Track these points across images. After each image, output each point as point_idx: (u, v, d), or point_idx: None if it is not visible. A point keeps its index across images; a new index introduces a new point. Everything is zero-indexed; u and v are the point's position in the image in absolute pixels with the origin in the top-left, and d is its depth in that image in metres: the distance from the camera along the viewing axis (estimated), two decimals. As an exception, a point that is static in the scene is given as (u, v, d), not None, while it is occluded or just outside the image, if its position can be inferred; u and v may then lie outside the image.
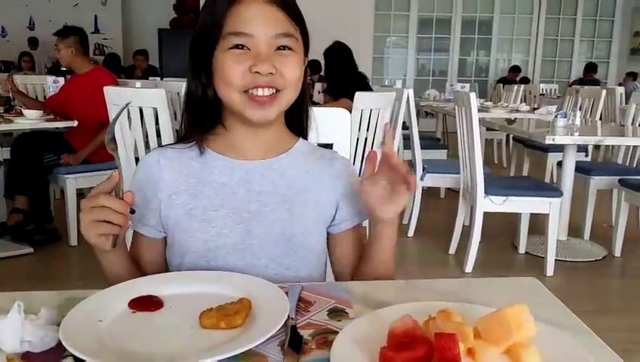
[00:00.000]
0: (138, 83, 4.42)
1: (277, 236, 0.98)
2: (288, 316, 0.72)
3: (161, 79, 6.66)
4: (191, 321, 0.72)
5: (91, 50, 10.17)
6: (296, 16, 0.94)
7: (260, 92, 0.90)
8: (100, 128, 3.57)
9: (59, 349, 0.66)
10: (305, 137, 1.07)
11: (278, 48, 0.91)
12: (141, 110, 2.58)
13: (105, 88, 2.69)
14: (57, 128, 3.62)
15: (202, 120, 0.98)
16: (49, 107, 3.72)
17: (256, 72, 0.88)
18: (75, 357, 0.60)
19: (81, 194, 3.74)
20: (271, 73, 0.89)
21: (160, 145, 2.54)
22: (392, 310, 0.72)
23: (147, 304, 0.76)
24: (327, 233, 1.05)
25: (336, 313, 0.78)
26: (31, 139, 3.51)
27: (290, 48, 0.92)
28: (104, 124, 3.51)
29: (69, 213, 3.49)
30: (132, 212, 0.84)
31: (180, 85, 3.77)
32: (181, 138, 1.02)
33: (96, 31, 10.55)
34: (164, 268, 1.03)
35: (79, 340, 0.64)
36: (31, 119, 3.40)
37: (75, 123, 3.41)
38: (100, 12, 11.31)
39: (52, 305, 0.76)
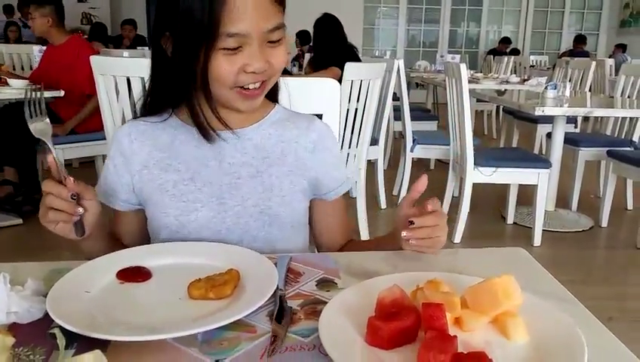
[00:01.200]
0: (126, 52, 4.35)
1: (251, 209, 0.96)
2: (277, 286, 0.72)
3: (149, 49, 6.55)
4: (179, 292, 0.72)
5: (78, 19, 9.97)
6: None
7: (251, 86, 0.89)
8: (85, 99, 3.52)
9: (46, 320, 0.66)
10: (276, 100, 1.05)
11: (268, 41, 0.87)
12: (129, 80, 2.54)
13: (91, 58, 2.64)
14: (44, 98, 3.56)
15: (175, 93, 0.94)
16: (35, 81, 3.64)
17: (252, 71, 0.86)
18: (62, 328, 0.59)
19: (69, 164, 3.71)
20: (264, 70, 0.87)
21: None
22: (381, 280, 0.72)
23: (135, 275, 0.76)
24: (311, 204, 1.04)
25: (325, 283, 0.78)
26: (17, 110, 3.44)
27: (279, 40, 0.89)
28: (89, 96, 3.46)
29: (56, 184, 3.46)
30: (73, 198, 0.80)
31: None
32: (149, 109, 0.99)
33: (83, 0, 10.31)
34: (144, 238, 1.02)
35: (66, 311, 0.64)
36: (17, 88, 3.34)
37: (62, 93, 3.36)
38: (85, -20, 11.05)
39: (38, 276, 0.76)
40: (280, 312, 0.68)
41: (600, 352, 0.60)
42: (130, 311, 0.68)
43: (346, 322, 0.63)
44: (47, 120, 0.83)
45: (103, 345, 0.59)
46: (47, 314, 0.65)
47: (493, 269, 0.69)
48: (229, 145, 0.97)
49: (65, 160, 3.52)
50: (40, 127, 0.82)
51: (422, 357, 0.52)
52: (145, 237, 1.03)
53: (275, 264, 0.80)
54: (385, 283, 0.66)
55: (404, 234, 0.83)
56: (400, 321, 0.58)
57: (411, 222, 0.84)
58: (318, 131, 1.03)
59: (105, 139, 2.89)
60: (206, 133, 0.93)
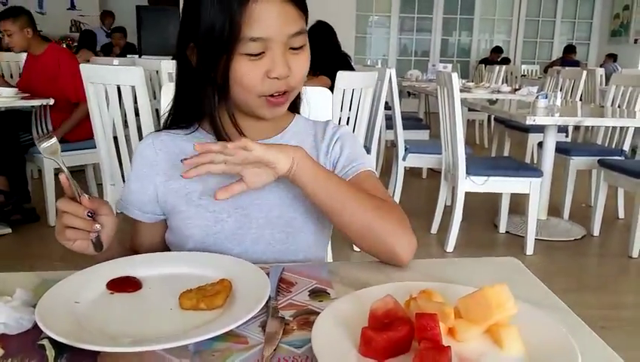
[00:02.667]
0: (116, 60, 4.33)
1: (275, 220, 0.96)
2: (269, 297, 0.71)
3: (140, 57, 6.54)
4: (170, 302, 0.71)
5: (68, 27, 9.92)
6: (303, 4, 0.90)
7: (275, 94, 0.89)
8: (72, 107, 3.50)
9: (35, 331, 0.65)
10: (298, 111, 1.06)
11: (291, 48, 0.88)
12: (119, 89, 2.54)
13: (81, 66, 2.64)
14: (33, 107, 3.54)
15: (199, 104, 0.94)
16: (22, 89, 3.61)
17: (275, 77, 0.86)
18: (51, 339, 0.59)
19: (59, 173, 3.67)
20: (287, 76, 0.87)
21: (138, 124, 2.51)
22: (374, 290, 0.71)
23: (125, 285, 0.75)
24: None
25: (318, 293, 0.78)
26: (6, 118, 3.43)
27: (302, 47, 0.89)
28: (76, 104, 3.45)
29: (47, 193, 3.44)
30: (89, 215, 0.79)
31: (159, 63, 3.70)
32: (173, 121, 0.99)
33: (73, 7, 10.26)
34: (163, 250, 1.01)
35: (56, 322, 0.63)
36: (6, 97, 3.32)
37: (52, 101, 3.34)
38: (75, -13, 11.04)
39: (28, 286, 0.75)
40: (272, 323, 0.67)
41: (592, 361, 0.59)
42: (120, 321, 0.67)
43: (339, 332, 0.62)
44: (55, 139, 0.83)
45: (92, 355, 0.59)
46: (36, 325, 0.65)
47: (487, 279, 0.69)
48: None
49: (55, 168, 3.49)
50: (49, 147, 0.82)
51: (416, 368, 0.52)
52: (164, 249, 1.02)
53: (268, 274, 0.79)
54: (378, 293, 0.66)
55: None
56: (393, 332, 0.58)
57: None
58: (331, 130, 1.03)
59: (95, 147, 2.89)
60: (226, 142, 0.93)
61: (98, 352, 0.60)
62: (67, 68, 3.51)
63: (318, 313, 0.67)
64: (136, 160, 1.00)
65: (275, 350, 0.62)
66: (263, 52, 0.85)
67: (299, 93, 1.01)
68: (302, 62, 0.90)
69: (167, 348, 0.61)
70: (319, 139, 1.02)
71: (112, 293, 0.74)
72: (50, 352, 0.55)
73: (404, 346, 0.59)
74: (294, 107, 1.04)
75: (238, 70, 0.85)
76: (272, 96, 0.89)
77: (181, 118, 0.99)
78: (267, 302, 0.70)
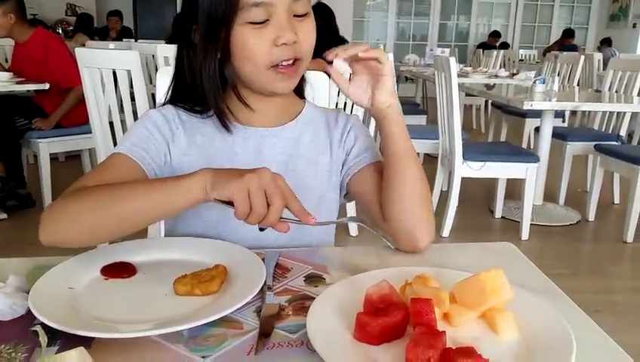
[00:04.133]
0: (111, 44, 4.30)
1: None
2: (265, 282, 0.71)
3: (136, 41, 6.49)
4: (165, 288, 0.71)
5: (63, 10, 9.81)
6: None
7: (284, 63, 0.87)
8: (66, 92, 3.47)
9: (28, 317, 0.64)
10: (303, 96, 1.05)
11: (294, 15, 0.86)
12: (115, 73, 2.52)
13: (76, 50, 2.62)
14: (28, 91, 3.51)
15: (212, 90, 0.91)
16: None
17: (283, 43, 0.84)
18: (44, 325, 0.58)
19: (54, 158, 3.65)
20: (295, 42, 0.85)
21: (134, 108, 2.50)
22: (369, 275, 0.71)
23: (120, 271, 0.75)
24: (348, 183, 1.00)
25: (313, 279, 0.78)
26: (1, 103, 3.40)
27: (306, 14, 0.88)
28: (68, 89, 3.41)
29: (42, 179, 3.43)
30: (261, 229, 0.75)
31: (155, 47, 3.67)
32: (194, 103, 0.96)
33: (68, -10, 10.17)
34: None
35: (49, 308, 0.63)
36: (1, 82, 3.29)
37: (47, 86, 3.32)
38: (71, -30, 10.90)
39: (21, 272, 0.74)
40: (267, 308, 0.67)
41: (587, 345, 0.59)
42: (115, 307, 0.67)
43: (334, 318, 0.62)
44: None
45: (86, 341, 0.59)
46: (29, 311, 0.64)
47: (482, 264, 0.69)
48: (268, 142, 0.96)
49: (51, 154, 3.48)
50: None
51: (410, 353, 0.52)
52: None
53: (263, 260, 0.79)
54: (373, 279, 0.66)
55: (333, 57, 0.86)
56: (388, 317, 0.58)
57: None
58: (343, 120, 1.03)
59: (91, 132, 2.86)
60: (227, 127, 0.93)
61: (92, 338, 0.60)
62: (55, 53, 3.46)
63: (314, 298, 0.67)
64: (158, 119, 0.94)
65: (270, 335, 0.62)
66: (267, 19, 0.84)
67: (303, 76, 0.99)
68: (309, 28, 0.88)
69: (162, 334, 0.61)
70: (332, 127, 1.02)
71: (106, 279, 0.74)
72: (43, 338, 0.55)
73: (399, 331, 0.59)
74: (300, 91, 1.03)
75: (244, 41, 0.84)
76: (282, 66, 0.87)
77: (181, 101, 0.96)
78: (262, 288, 0.70)
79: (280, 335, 0.63)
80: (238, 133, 0.95)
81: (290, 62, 0.87)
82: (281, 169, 0.88)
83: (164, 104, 0.98)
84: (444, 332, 0.55)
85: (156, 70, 3.72)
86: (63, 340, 0.60)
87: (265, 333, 0.62)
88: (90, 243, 0.80)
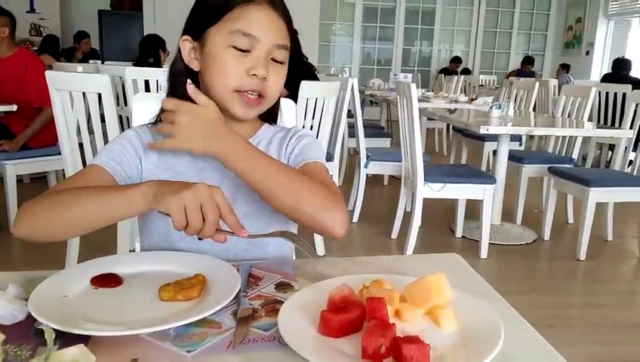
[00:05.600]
0: (79, 67, 4.33)
1: (243, 215, 1.01)
2: (240, 289, 0.80)
3: (102, 62, 6.51)
4: (150, 295, 0.79)
5: (27, 30, 9.72)
6: (292, 31, 1.03)
7: (249, 94, 0.98)
8: (36, 113, 3.50)
9: (27, 322, 0.72)
10: (275, 122, 1.15)
11: (273, 59, 0.98)
12: (84, 95, 2.57)
13: (47, 73, 2.65)
14: (-4, 111, 3.53)
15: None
16: None
17: (254, 74, 0.96)
18: (41, 331, 0.66)
19: (19, 180, 3.64)
20: (264, 78, 0.97)
21: (104, 130, 2.55)
22: (332, 281, 0.81)
23: (108, 281, 0.83)
24: None
25: (283, 286, 0.87)
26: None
27: (282, 62, 1.00)
28: (39, 109, 3.45)
29: (9, 200, 3.42)
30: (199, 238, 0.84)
31: (123, 69, 3.73)
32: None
33: (32, 10, 10.07)
34: None
35: (48, 312, 0.70)
36: (-32, 102, 3.30)
37: (15, 107, 3.34)
38: (36, -9, 10.86)
39: (16, 283, 0.81)
40: (243, 311, 0.76)
41: (516, 339, 0.70)
42: (106, 311, 0.75)
43: (301, 316, 0.72)
44: None
45: (83, 341, 0.66)
46: (28, 317, 0.72)
47: (431, 272, 0.79)
48: None
49: (17, 175, 3.48)
50: None
51: (365, 341, 0.62)
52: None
53: (238, 270, 0.88)
54: (336, 284, 0.75)
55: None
56: (348, 314, 0.68)
57: None
58: (294, 135, 1.12)
59: (59, 154, 2.89)
60: None
61: (88, 339, 0.67)
62: (33, 72, 3.51)
63: (283, 302, 0.76)
64: (132, 136, 1.05)
65: (246, 333, 0.71)
66: (249, 50, 0.96)
67: (278, 104, 1.10)
68: (280, 74, 1.01)
69: (151, 333, 0.69)
70: (284, 142, 1.11)
71: (96, 288, 0.82)
72: (50, 335, 0.62)
73: (357, 325, 0.68)
74: (273, 118, 1.14)
75: (223, 59, 0.96)
76: (246, 94, 0.98)
77: None
78: (237, 294, 0.79)
79: (254, 332, 0.72)
80: None
81: (255, 95, 0.99)
82: (237, 182, 0.99)
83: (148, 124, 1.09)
84: (394, 324, 0.65)
85: (123, 91, 3.78)
86: (61, 341, 0.67)
87: (241, 332, 0.71)
88: (53, 238, 0.91)
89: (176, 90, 1.04)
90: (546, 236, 3.74)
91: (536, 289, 3.00)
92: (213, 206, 0.79)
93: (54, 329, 0.66)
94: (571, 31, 10.98)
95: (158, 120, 1.06)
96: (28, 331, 0.71)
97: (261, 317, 0.76)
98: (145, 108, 1.28)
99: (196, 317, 0.71)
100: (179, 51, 1.04)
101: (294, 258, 1.17)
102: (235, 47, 0.96)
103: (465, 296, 0.77)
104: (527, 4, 11.39)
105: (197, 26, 1.00)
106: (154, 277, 0.84)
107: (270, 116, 1.14)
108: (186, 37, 1.02)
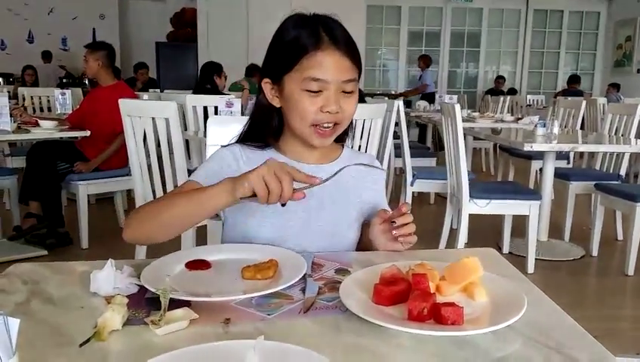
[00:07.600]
0: (145, 95, 4.67)
1: (323, 231, 1.21)
2: (306, 272, 0.97)
3: (161, 91, 6.91)
4: (234, 275, 0.97)
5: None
6: (358, 61, 1.16)
7: (325, 125, 1.15)
8: (111, 138, 3.81)
9: (140, 293, 0.91)
10: (343, 140, 1.31)
11: (343, 91, 1.14)
12: (153, 120, 2.82)
13: (120, 101, 2.93)
14: (70, 138, 3.85)
15: (272, 129, 1.22)
16: (72, 122, 3.94)
17: (327, 111, 1.12)
18: (152, 300, 0.84)
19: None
20: (337, 112, 1.13)
21: (171, 151, 2.79)
22: (384, 265, 0.96)
23: (199, 265, 1.01)
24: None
25: (341, 271, 1.03)
26: (45, 148, 3.74)
27: (352, 92, 1.15)
28: (118, 134, 3.76)
29: (80, 218, 3.72)
30: (283, 205, 0.99)
31: (184, 97, 4.03)
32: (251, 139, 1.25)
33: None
34: None
35: (157, 286, 0.88)
36: (46, 129, 3.63)
37: (88, 133, 3.64)
38: (98, 25, 11.57)
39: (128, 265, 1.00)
40: (310, 287, 0.93)
41: (536, 310, 0.84)
42: (201, 286, 0.93)
43: (359, 289, 0.88)
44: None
45: (186, 305, 0.84)
46: (140, 290, 0.90)
47: (468, 259, 0.93)
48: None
49: (88, 195, 3.79)
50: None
51: (411, 305, 0.77)
52: None
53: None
54: (387, 266, 0.91)
55: (394, 232, 1.11)
56: (397, 286, 0.83)
57: (394, 222, 1.11)
58: (377, 170, 1.31)
59: (128, 175, 3.15)
60: (297, 161, 1.20)
61: (189, 304, 0.85)
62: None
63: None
64: (227, 155, 1.21)
65: (313, 302, 0.87)
66: (321, 91, 1.12)
67: (348, 128, 1.25)
68: (351, 103, 1.16)
69: (238, 302, 0.86)
70: (363, 171, 1.27)
71: (190, 270, 1.00)
72: (166, 296, 0.79)
73: (405, 296, 0.83)
74: (341, 137, 1.28)
75: (300, 102, 1.12)
76: (321, 127, 1.14)
77: (252, 138, 1.25)
78: (304, 275, 0.96)
79: (320, 303, 0.88)
80: (292, 165, 1.16)
81: (330, 125, 1.15)
82: (323, 197, 1.18)
83: (235, 142, 1.27)
84: (435, 293, 0.81)
85: (184, 117, 4.06)
86: (168, 308, 0.85)
87: (310, 300, 0.87)
88: (155, 240, 1.12)
89: (261, 122, 1.23)
90: (594, 252, 3.76)
91: (582, 304, 3.04)
92: (284, 171, 0.95)
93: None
94: (621, 49, 10.84)
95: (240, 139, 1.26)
96: (141, 300, 0.89)
97: (325, 292, 0.92)
98: (217, 129, 1.51)
99: (272, 289, 0.88)
100: (261, 89, 1.21)
101: None
102: (308, 90, 1.11)
103: (495, 276, 0.91)
104: (575, 24, 11.32)
105: (274, 72, 1.16)
106: (236, 262, 1.02)
107: (341, 136, 1.28)
108: (266, 80, 1.18)
